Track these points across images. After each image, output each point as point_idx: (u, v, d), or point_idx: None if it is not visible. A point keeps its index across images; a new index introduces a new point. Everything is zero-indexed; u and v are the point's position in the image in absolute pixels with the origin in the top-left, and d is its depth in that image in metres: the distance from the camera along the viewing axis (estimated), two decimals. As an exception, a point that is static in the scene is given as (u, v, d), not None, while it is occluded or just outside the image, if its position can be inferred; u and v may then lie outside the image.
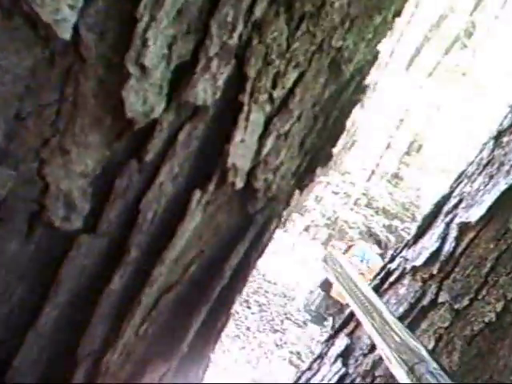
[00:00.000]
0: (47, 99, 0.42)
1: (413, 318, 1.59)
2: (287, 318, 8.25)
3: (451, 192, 1.75)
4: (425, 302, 1.59)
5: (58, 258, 0.48)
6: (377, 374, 1.64)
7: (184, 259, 0.57)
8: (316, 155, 0.65)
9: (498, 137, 1.71)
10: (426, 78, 10.05)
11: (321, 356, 1.85)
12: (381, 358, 1.56)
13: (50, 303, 0.49)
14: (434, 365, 0.55)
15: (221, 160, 0.51)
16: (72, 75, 0.42)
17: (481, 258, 1.64)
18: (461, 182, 1.73)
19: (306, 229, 10.67)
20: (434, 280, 1.62)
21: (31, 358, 0.51)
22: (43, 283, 0.49)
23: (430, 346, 1.51)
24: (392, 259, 1.79)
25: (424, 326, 1.58)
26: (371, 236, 10.37)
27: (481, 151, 1.76)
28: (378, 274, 1.80)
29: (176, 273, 0.57)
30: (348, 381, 1.66)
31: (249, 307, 7.93)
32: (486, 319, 1.59)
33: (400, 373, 0.59)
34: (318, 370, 1.81)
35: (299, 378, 1.86)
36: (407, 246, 1.76)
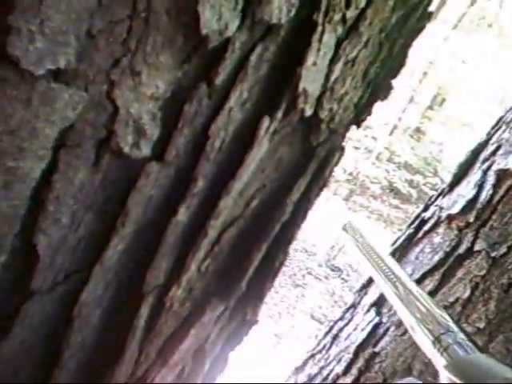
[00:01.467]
0: (119, 15, 0.40)
1: (448, 266, 1.57)
2: (308, 273, 8.29)
3: (488, 139, 1.71)
4: (461, 250, 1.56)
5: (125, 187, 0.47)
6: (411, 322, 1.62)
7: (247, 193, 0.55)
8: (377, 87, 0.63)
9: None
10: (451, 30, 9.86)
11: (353, 305, 1.84)
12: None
13: (117, 235, 0.47)
14: (461, 335, 0.54)
15: (291, 84, 0.48)
16: (144, -11, 0.40)
17: (519, 206, 1.60)
18: (499, 129, 1.69)
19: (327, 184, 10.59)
20: (470, 228, 1.59)
21: (97, 293, 0.49)
22: (110, 214, 0.47)
23: (466, 295, 1.50)
24: (426, 208, 1.76)
25: (460, 274, 1.56)
26: (392, 191, 10.33)
27: (520, 97, 1.72)
28: (412, 223, 1.78)
29: (239, 207, 0.55)
30: (381, 330, 1.65)
31: (270, 262, 7.95)
32: (525, 265, 1.57)
33: (426, 343, 0.57)
34: (350, 320, 1.80)
35: (331, 327, 1.86)
36: (442, 194, 1.73)
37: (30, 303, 0.46)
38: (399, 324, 1.60)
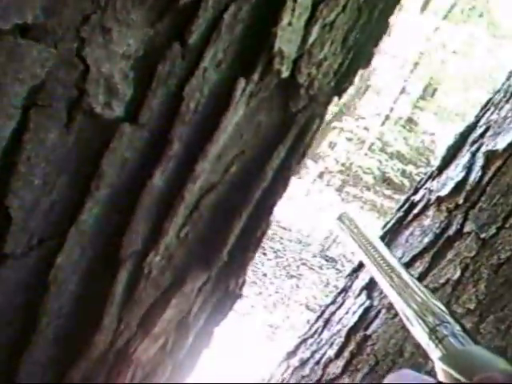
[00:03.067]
0: (86, -31, 0.39)
1: (438, 248, 1.57)
2: (303, 264, 8.30)
3: (477, 121, 1.71)
4: (450, 232, 1.56)
5: (98, 149, 0.46)
6: (402, 305, 1.62)
7: (225, 158, 0.54)
8: (358, 54, 0.62)
9: (526, 63, 1.65)
10: (441, 21, 9.85)
11: (345, 289, 1.84)
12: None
13: (91, 198, 0.47)
14: (457, 327, 0.54)
15: (267, 45, 0.48)
16: None
17: (508, 186, 1.60)
18: (487, 111, 1.69)
19: (320, 175, 10.64)
20: (459, 210, 1.59)
21: (73, 258, 0.49)
22: (84, 177, 0.47)
23: (456, 276, 1.50)
24: (415, 191, 1.76)
25: (450, 256, 1.56)
26: (385, 181, 10.35)
27: (508, 78, 1.71)
28: (402, 206, 1.78)
29: (217, 173, 0.55)
30: (373, 313, 1.65)
31: (264, 254, 7.97)
32: (514, 247, 1.57)
33: (421, 335, 0.57)
34: (342, 304, 1.80)
35: (323, 311, 1.86)
36: (431, 177, 1.73)
37: (3, 267, 0.46)
38: (390, 307, 1.60)
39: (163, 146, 0.48)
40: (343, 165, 10.42)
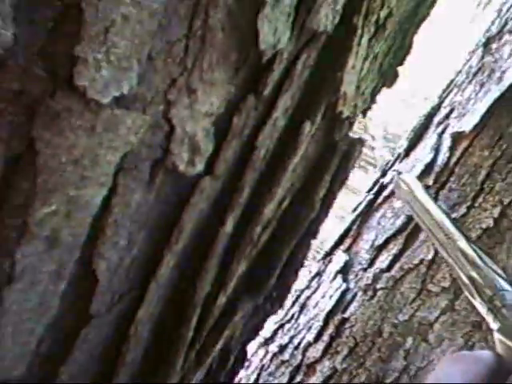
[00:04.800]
0: (176, 35, 0.39)
1: (411, 229, 1.60)
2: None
3: (441, 102, 1.74)
4: (422, 213, 1.58)
5: (177, 203, 0.46)
6: (378, 286, 1.67)
7: (280, 194, 0.55)
8: (387, 76, 0.63)
9: (486, 43, 1.69)
10: None
11: (318, 274, 1.86)
12: (381, 271, 1.59)
13: (170, 251, 0.47)
14: None
15: (331, 88, 0.48)
16: (201, 7, 0.39)
17: (476, 166, 1.65)
18: (450, 92, 1.72)
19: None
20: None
21: (151, 309, 0.49)
22: (162, 230, 0.47)
23: (430, 256, 1.53)
24: (384, 173, 1.78)
25: (422, 237, 1.59)
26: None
27: (469, 59, 1.75)
28: (371, 189, 1.80)
29: (272, 210, 0.55)
30: (349, 296, 1.68)
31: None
32: (484, 225, 1.61)
33: (480, 305, 0.56)
34: (317, 288, 1.82)
35: (298, 296, 1.87)
36: (398, 159, 1.76)
37: (88, 327, 0.46)
38: (366, 289, 1.64)
39: (233, 193, 0.49)
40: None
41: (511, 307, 0.53)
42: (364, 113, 0.65)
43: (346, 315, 1.71)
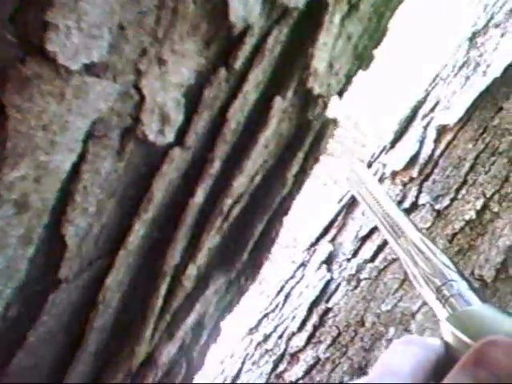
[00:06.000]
0: (147, 5, 0.40)
1: (395, 220, 1.60)
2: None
3: (426, 95, 1.75)
4: (406, 204, 1.61)
5: (147, 173, 0.47)
6: (362, 277, 1.68)
7: (252, 169, 0.56)
8: (362, 59, 0.64)
9: (472, 38, 1.71)
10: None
11: (303, 264, 1.87)
12: (365, 262, 1.61)
13: (139, 220, 0.48)
14: (465, 284, 0.53)
15: (302, 64, 0.49)
16: (172, -21, 0.40)
17: (460, 159, 1.66)
18: (436, 85, 1.74)
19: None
20: (413, 183, 1.63)
21: (120, 278, 0.50)
22: (132, 200, 0.48)
23: (413, 247, 1.53)
24: (369, 165, 1.80)
25: (407, 228, 1.59)
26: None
27: (455, 53, 1.76)
28: (357, 180, 1.80)
29: (244, 184, 0.56)
30: (333, 286, 1.69)
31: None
32: (467, 217, 1.63)
33: (429, 295, 0.56)
34: (301, 278, 1.83)
35: (283, 286, 1.89)
36: (384, 151, 1.77)
37: (57, 292, 0.47)
38: (350, 279, 1.65)
39: (204, 164, 0.49)
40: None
41: (459, 297, 0.54)
42: (340, 94, 0.66)
43: (329, 305, 1.72)
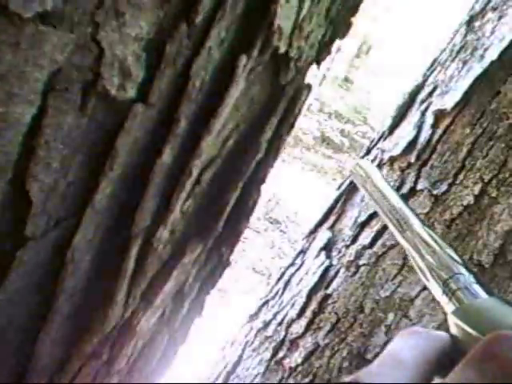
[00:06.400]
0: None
1: (393, 206, 1.60)
2: (247, 228, 8.32)
3: (424, 80, 1.75)
4: (404, 190, 1.61)
5: (111, 130, 0.47)
6: (360, 263, 1.69)
7: (223, 133, 0.56)
8: (337, 25, 0.64)
9: (469, 22, 1.70)
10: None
11: (303, 251, 1.88)
12: (364, 248, 1.61)
13: (105, 178, 0.48)
14: (471, 278, 0.52)
15: (265, 22, 0.49)
16: None
17: (457, 144, 1.66)
18: (434, 70, 1.74)
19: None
20: (412, 168, 1.63)
21: (88, 237, 0.50)
22: (97, 158, 0.48)
23: (412, 232, 1.53)
24: (368, 152, 1.80)
25: (406, 214, 1.59)
26: (324, 141, 10.44)
27: (452, 38, 1.76)
28: (355, 167, 1.80)
29: (215, 147, 0.56)
30: (332, 272, 1.70)
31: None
32: (465, 202, 1.63)
33: (435, 289, 0.56)
34: (301, 265, 1.84)
35: (283, 273, 1.89)
36: (382, 137, 1.77)
37: (24, 250, 0.47)
38: (349, 265, 1.65)
39: (171, 124, 0.50)
40: (282, 127, 10.41)
41: (466, 290, 0.53)
42: (318, 62, 0.66)
43: (328, 291, 1.72)
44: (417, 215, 0.75)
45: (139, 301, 0.60)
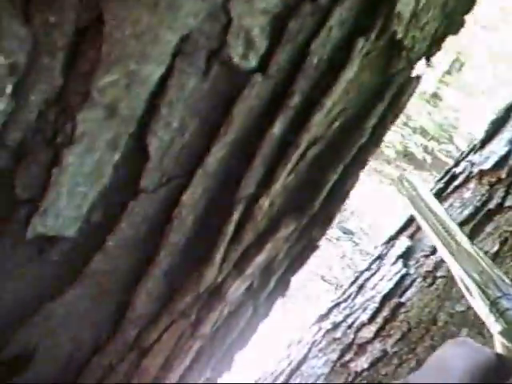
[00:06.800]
0: None
1: (477, 221, 1.59)
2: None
3: (523, 97, 1.71)
4: (491, 205, 1.58)
5: (229, 97, 0.50)
6: (438, 274, 1.67)
7: (331, 114, 0.58)
8: (451, 21, 0.65)
9: None
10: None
11: (380, 257, 1.87)
12: (442, 260, 1.58)
13: (218, 142, 0.51)
14: None
15: (386, 7, 0.51)
16: None
17: (551, 162, 1.62)
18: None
19: (342, 147, 10.59)
20: (501, 184, 1.60)
21: (196, 198, 0.53)
22: (213, 122, 0.51)
23: (495, 249, 1.52)
24: (457, 163, 1.78)
25: (489, 229, 1.58)
26: (406, 156, 10.31)
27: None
28: (442, 177, 1.80)
29: (323, 126, 0.58)
30: (408, 281, 1.68)
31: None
32: (554, 221, 1.58)
33: (481, 307, 0.55)
34: (377, 271, 1.83)
35: (357, 277, 1.89)
36: (473, 150, 1.75)
37: (137, 201, 0.50)
38: (426, 276, 1.64)
39: (285, 97, 0.52)
40: (365, 138, 10.34)
41: None
42: (428, 56, 0.67)
43: (402, 300, 1.71)
44: (464, 232, 0.75)
45: (231, 268, 0.63)
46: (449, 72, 11.12)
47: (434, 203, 0.81)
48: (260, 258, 0.64)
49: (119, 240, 0.51)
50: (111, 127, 0.46)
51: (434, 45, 0.66)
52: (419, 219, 0.81)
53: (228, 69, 0.48)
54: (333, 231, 8.65)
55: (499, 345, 0.50)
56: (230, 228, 0.55)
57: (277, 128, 0.52)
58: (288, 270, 0.72)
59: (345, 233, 8.74)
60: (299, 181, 0.61)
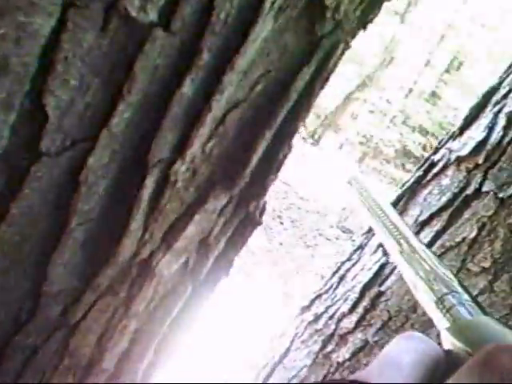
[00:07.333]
0: None
1: (455, 207, 1.58)
2: (319, 234, 8.31)
3: (500, 82, 1.70)
4: (469, 191, 1.57)
5: (132, 53, 0.48)
6: (417, 262, 1.64)
7: (251, 76, 0.56)
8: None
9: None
10: (470, -8, 9.70)
11: (361, 247, 1.86)
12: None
13: (123, 101, 0.49)
14: (466, 296, 0.51)
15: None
16: None
17: (529, 146, 1.60)
18: (511, 73, 1.69)
19: (341, 146, 10.62)
20: (479, 169, 1.59)
21: (104, 161, 0.51)
22: (117, 81, 0.49)
23: (473, 235, 1.51)
24: (436, 151, 1.76)
25: (467, 215, 1.57)
26: (406, 154, 10.29)
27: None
28: (421, 165, 1.79)
29: (243, 89, 0.56)
30: (388, 270, 1.67)
31: (281, 223, 8.00)
32: (533, 206, 1.57)
33: (428, 303, 0.55)
34: (357, 260, 1.82)
35: (339, 268, 1.88)
36: (452, 137, 1.73)
37: (39, 165, 0.48)
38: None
39: (193, 55, 0.50)
40: (364, 137, 10.37)
41: (461, 307, 0.53)
42: (364, 25, 0.65)
43: (382, 288, 1.70)
44: (412, 231, 0.75)
45: (159, 242, 0.61)
46: (448, 71, 11.11)
47: (384, 203, 0.80)
48: (190, 231, 0.62)
49: (24, 207, 0.49)
50: (4, 86, 0.44)
51: (369, 11, 0.64)
52: (369, 219, 0.80)
53: (127, 23, 0.46)
54: (332, 230, 8.64)
55: (446, 341, 0.50)
56: (145, 195, 0.54)
57: (186, 87, 0.50)
58: (227, 247, 0.70)
59: (344, 232, 8.73)
60: (225, 148, 0.59)
